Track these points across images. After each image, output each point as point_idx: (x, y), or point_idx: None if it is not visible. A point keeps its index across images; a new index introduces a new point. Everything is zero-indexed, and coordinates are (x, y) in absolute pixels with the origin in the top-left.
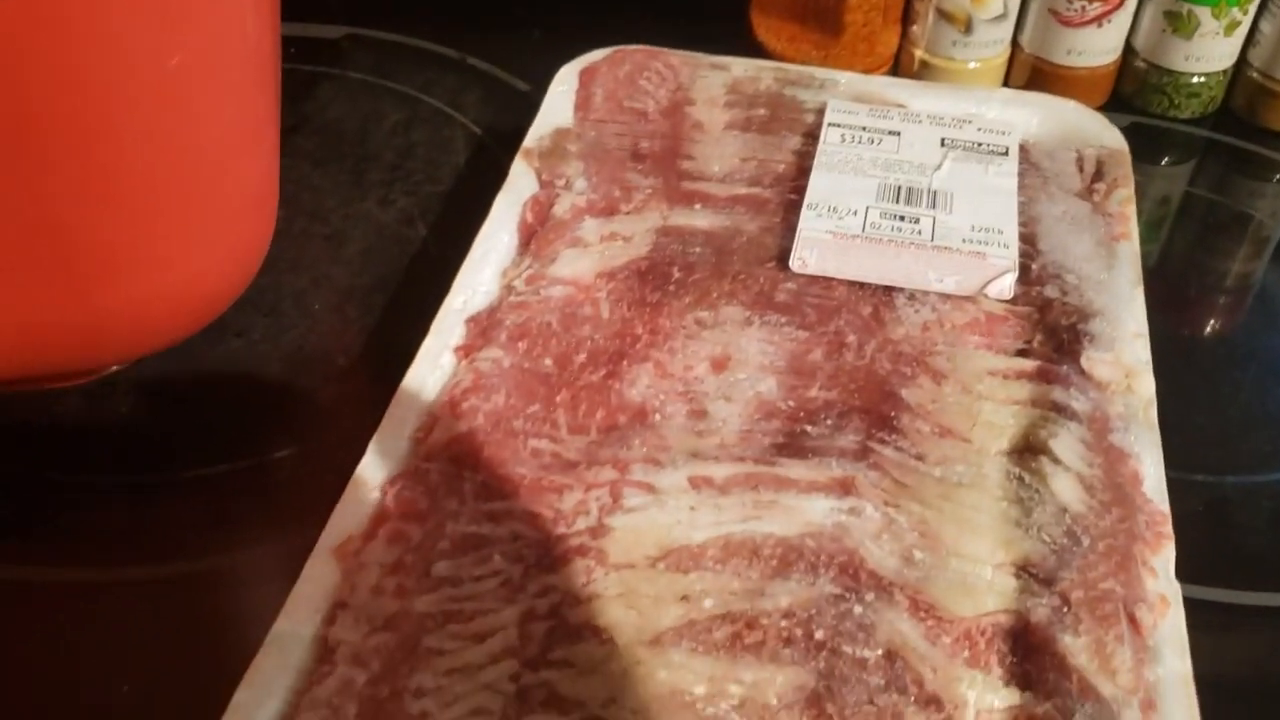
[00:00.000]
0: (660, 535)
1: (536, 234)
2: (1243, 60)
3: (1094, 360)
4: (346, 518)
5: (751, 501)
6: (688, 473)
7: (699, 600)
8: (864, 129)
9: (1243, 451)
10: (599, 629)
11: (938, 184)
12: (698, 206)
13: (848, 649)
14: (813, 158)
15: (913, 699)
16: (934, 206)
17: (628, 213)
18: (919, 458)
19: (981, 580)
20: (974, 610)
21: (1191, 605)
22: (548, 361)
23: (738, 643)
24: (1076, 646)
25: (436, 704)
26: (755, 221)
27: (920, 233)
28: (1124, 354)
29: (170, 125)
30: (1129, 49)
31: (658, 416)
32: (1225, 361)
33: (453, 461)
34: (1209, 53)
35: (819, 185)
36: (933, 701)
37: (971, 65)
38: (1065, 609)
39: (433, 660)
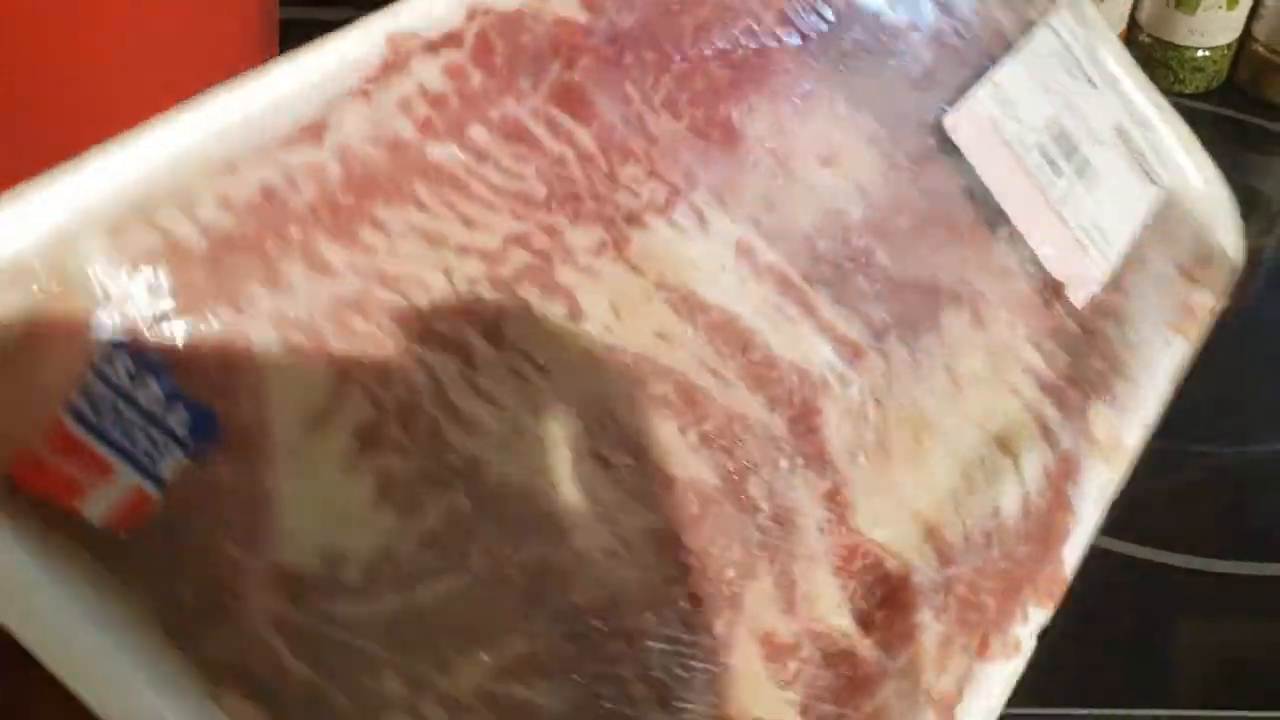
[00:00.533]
0: (683, 270)
1: None
2: (1247, 34)
3: (1100, 414)
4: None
5: (775, 303)
6: (740, 233)
7: (672, 349)
8: (1072, 54)
9: (1250, 423)
10: (575, 301)
11: (1092, 158)
12: None
13: (751, 491)
14: (1017, 46)
15: (773, 572)
16: (1079, 176)
17: None
18: (919, 379)
19: (898, 518)
20: (874, 535)
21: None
22: (685, 23)
23: (676, 411)
24: (931, 629)
25: (387, 248)
26: (936, 56)
27: (1054, 187)
28: (1126, 430)
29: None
30: (1133, 24)
31: (748, 161)
32: (1233, 335)
33: (550, 38)
34: (1212, 26)
35: (1010, 72)
36: (788, 586)
37: None
38: (944, 593)
39: (407, 208)
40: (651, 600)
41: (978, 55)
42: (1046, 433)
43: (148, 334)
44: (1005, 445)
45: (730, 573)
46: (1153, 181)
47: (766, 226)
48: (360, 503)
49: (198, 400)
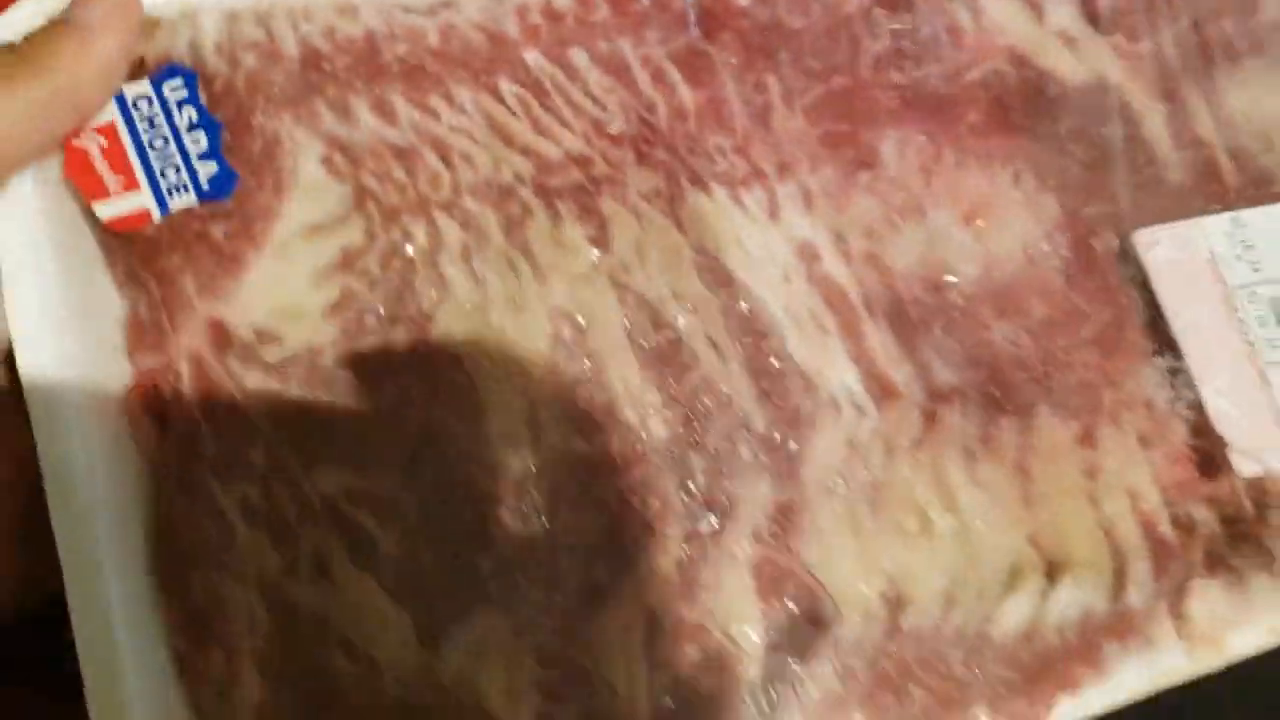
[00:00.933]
0: (726, 243)
1: None
2: None
3: (1210, 597)
4: None
5: (813, 311)
6: (812, 237)
7: (680, 307)
8: None
9: None
10: (605, 229)
11: None
12: None
13: (693, 464)
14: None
15: (683, 551)
16: None
17: None
18: (967, 458)
19: (856, 566)
20: (819, 572)
21: None
22: (867, 47)
23: (654, 360)
24: (825, 685)
25: (451, 120)
26: (1171, 174)
27: (1274, 349)
28: (1237, 632)
29: None
30: None
31: (869, 187)
32: None
33: (701, 7)
34: None
35: (1271, 214)
36: (693, 573)
37: None
38: (862, 660)
39: (484, 94)
40: (536, 519)
41: (1233, 194)
42: (1117, 580)
43: (217, 98)
44: (1050, 568)
45: (634, 528)
46: None
47: (851, 246)
48: (314, 307)
49: (229, 163)
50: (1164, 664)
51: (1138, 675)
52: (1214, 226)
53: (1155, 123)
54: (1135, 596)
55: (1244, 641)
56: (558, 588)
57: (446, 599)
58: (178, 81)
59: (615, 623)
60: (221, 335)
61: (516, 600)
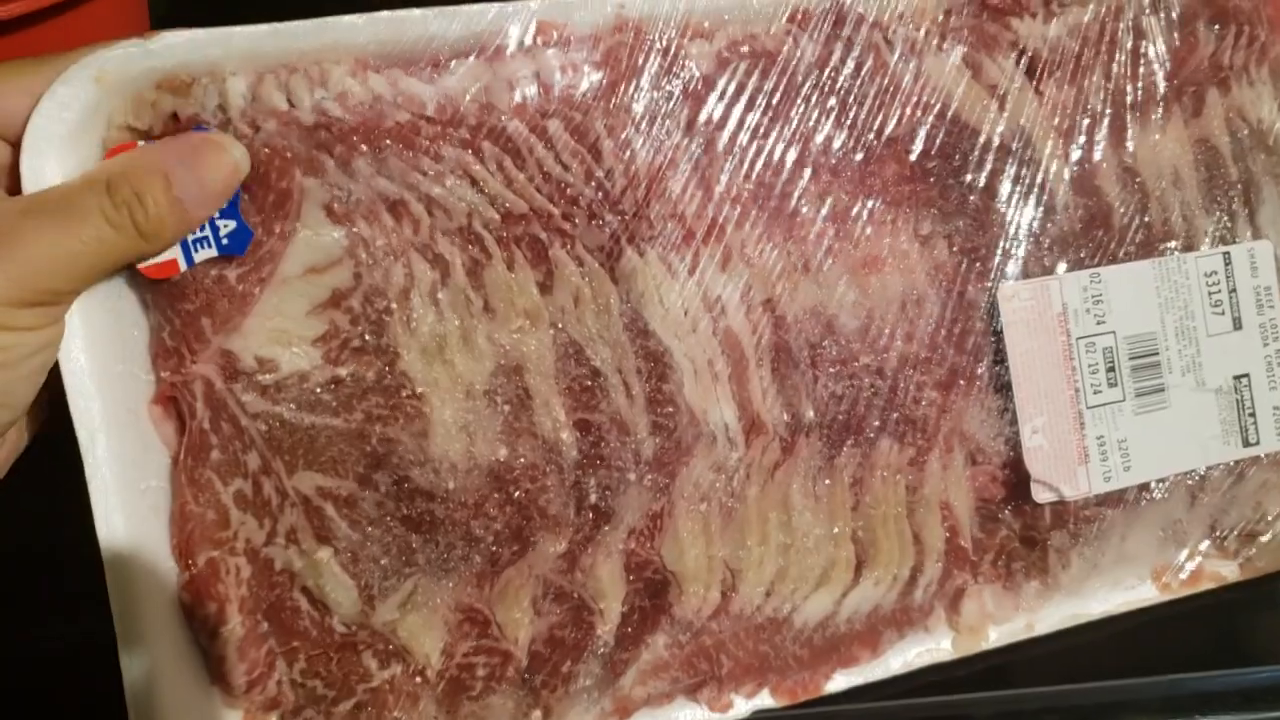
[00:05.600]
0: (649, 298)
1: None
2: None
3: (983, 600)
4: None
5: (709, 356)
6: (723, 293)
7: (601, 350)
8: (1230, 287)
9: None
10: (551, 276)
11: (1173, 390)
12: None
13: (589, 482)
14: (1168, 251)
15: (569, 543)
16: (1139, 396)
17: None
18: (808, 476)
19: (697, 556)
20: (673, 564)
21: None
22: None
23: (574, 394)
24: (655, 649)
25: (436, 176)
26: (1068, 228)
27: (1096, 394)
28: (997, 630)
29: None
30: None
31: (780, 233)
32: None
33: (689, 79)
34: None
35: (1131, 273)
36: (574, 558)
37: None
38: (689, 633)
39: (467, 153)
40: (462, 511)
41: (1115, 244)
42: (910, 581)
43: None
44: (859, 566)
45: (537, 522)
46: (1246, 442)
47: (754, 298)
48: (304, 337)
49: (246, 220)
50: (932, 648)
51: (906, 656)
52: (1073, 282)
53: (1059, 174)
54: (920, 595)
55: (1002, 633)
56: (472, 560)
57: (384, 571)
58: None
59: (512, 586)
60: (229, 363)
61: (439, 570)
